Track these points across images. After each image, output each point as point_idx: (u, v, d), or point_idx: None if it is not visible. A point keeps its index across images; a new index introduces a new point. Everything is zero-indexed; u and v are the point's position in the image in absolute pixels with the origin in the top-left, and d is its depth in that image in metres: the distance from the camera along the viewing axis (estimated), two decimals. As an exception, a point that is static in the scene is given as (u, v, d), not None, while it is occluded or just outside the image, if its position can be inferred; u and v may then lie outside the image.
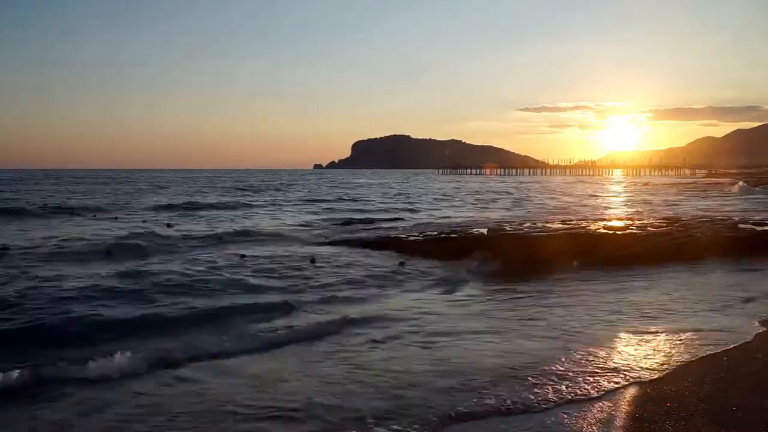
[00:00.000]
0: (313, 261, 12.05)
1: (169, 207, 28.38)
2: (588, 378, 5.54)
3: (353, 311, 8.23)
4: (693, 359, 6.07)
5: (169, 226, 18.72)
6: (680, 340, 6.86)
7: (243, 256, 12.52)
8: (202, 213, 25.60)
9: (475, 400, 5.05)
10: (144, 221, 20.96)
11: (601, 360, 6.09)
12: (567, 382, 5.43)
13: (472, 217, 22.82)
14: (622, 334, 7.16)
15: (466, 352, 6.47)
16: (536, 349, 6.48)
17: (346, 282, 10.35)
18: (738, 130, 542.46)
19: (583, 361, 6.04)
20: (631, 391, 5.19)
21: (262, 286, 9.77)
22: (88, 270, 10.87)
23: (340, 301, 8.95)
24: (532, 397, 5.11)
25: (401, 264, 11.95)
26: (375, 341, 6.87)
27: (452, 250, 13.23)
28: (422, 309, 8.57)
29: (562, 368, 5.81)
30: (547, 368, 5.81)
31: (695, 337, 6.97)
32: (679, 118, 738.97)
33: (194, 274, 10.37)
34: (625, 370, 5.72)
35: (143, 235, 15.77)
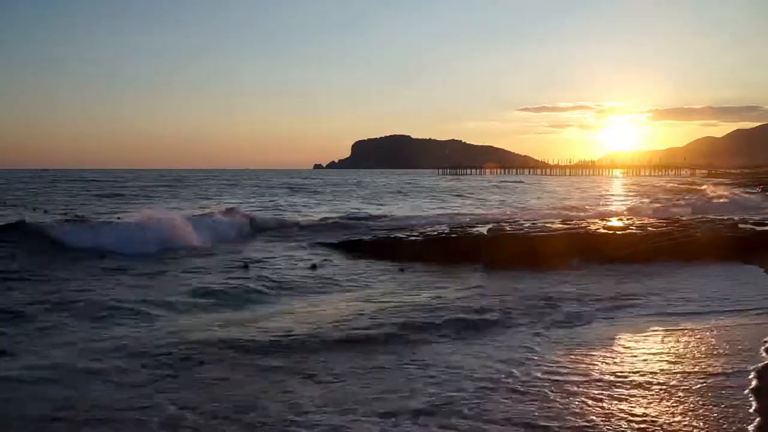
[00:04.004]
0: (314, 267, 11.95)
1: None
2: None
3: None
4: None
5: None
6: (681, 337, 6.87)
7: None
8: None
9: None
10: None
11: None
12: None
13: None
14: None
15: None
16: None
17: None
18: (738, 130, 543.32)
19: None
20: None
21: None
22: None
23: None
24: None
25: (401, 270, 11.83)
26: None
27: (452, 251, 13.38)
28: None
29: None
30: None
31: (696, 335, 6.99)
32: (678, 118, 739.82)
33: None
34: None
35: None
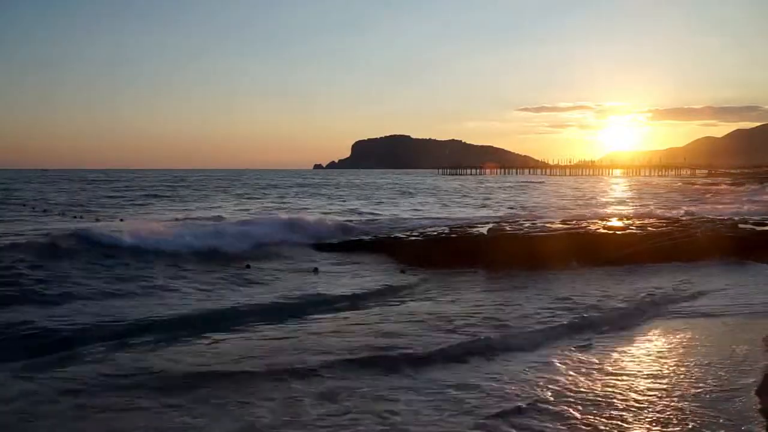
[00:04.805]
0: (315, 271, 11.91)
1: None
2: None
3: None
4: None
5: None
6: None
7: None
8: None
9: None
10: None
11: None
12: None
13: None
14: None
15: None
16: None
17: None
18: (738, 130, 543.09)
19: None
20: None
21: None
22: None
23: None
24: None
25: (402, 272, 11.85)
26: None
27: (452, 251, 13.37)
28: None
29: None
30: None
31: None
32: (678, 118, 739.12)
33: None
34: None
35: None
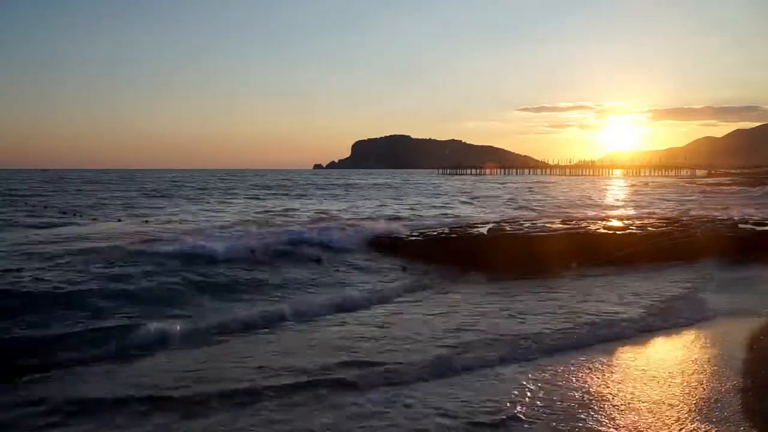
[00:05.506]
0: (319, 261, 11.97)
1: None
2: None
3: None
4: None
5: None
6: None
7: None
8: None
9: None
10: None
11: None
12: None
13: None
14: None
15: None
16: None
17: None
18: (738, 130, 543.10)
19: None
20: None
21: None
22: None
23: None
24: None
25: (403, 269, 11.91)
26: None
27: (452, 251, 13.37)
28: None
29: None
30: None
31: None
32: (678, 118, 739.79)
33: None
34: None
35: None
